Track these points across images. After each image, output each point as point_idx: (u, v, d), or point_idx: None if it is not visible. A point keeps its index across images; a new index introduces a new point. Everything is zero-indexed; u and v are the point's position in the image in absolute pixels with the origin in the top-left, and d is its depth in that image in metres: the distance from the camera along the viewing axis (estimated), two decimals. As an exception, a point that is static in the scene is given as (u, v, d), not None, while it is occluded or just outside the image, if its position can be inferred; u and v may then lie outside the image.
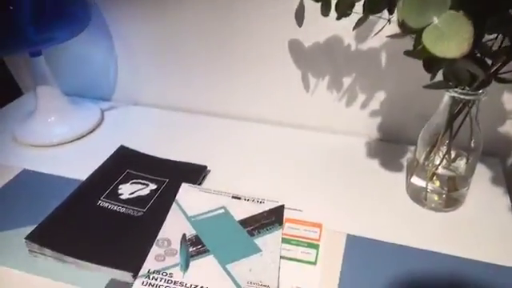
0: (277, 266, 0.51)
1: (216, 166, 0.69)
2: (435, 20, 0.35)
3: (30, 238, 0.52)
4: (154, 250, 0.52)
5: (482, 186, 0.65)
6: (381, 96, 0.73)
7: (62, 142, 0.76)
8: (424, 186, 0.60)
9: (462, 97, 0.52)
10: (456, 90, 0.52)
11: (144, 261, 0.51)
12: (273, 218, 0.58)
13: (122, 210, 0.58)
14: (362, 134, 0.77)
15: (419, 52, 0.40)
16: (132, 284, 0.49)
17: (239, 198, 0.61)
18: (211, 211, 0.59)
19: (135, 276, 0.49)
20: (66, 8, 0.68)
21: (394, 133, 0.76)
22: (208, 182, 0.66)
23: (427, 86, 0.52)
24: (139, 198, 0.60)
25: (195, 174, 0.65)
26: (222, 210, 0.59)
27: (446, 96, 0.54)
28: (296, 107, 0.79)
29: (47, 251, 0.52)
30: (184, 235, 0.55)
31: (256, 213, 0.59)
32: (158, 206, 0.58)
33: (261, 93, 0.80)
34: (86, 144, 0.76)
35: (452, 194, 0.60)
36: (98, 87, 0.89)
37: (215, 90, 0.82)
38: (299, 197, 0.62)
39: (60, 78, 0.80)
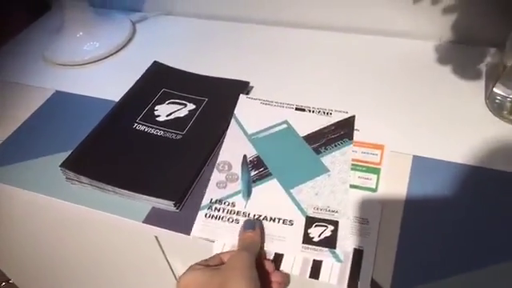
0: (347, 188, 0.45)
1: (261, 80, 0.61)
2: None
3: (66, 165, 0.49)
4: (215, 175, 0.48)
5: None
6: (458, -14, 0.59)
7: (93, 60, 0.70)
8: (510, 95, 0.50)
9: None
10: None
11: (186, 187, 0.47)
12: (341, 131, 0.51)
13: (160, 133, 0.53)
14: (431, 36, 0.65)
15: None
16: (176, 212, 0.45)
17: (303, 110, 0.55)
18: (273, 127, 0.53)
19: (176, 205, 0.45)
20: None
21: (471, 33, 0.63)
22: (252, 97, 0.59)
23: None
24: (177, 119, 0.54)
25: (237, 90, 0.57)
26: (285, 125, 0.53)
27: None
28: (348, 6, 0.67)
29: (84, 179, 0.48)
30: (245, 157, 0.49)
31: (322, 126, 0.52)
32: (198, 128, 0.53)
33: (309, -8, 0.68)
34: (119, 60, 0.70)
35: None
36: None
37: (255, -9, 0.71)
38: (358, 111, 0.54)
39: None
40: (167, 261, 0.53)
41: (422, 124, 0.52)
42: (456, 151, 0.48)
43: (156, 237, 0.49)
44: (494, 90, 0.52)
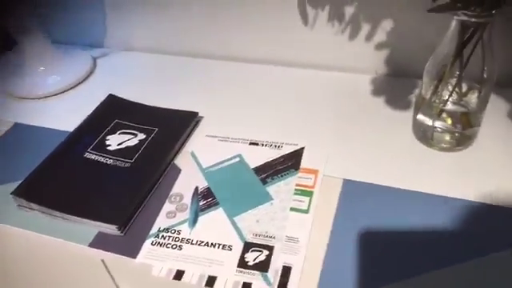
0: (285, 215, 0.49)
1: (212, 112, 0.65)
2: None
3: (17, 192, 0.52)
4: (166, 206, 0.51)
5: (496, 121, 0.59)
6: (386, 26, 0.66)
7: (54, 93, 0.74)
8: (431, 123, 0.55)
9: (471, 20, 0.45)
10: (465, 12, 0.45)
11: (130, 212, 0.50)
12: (289, 162, 0.55)
13: (110, 161, 0.56)
14: (367, 70, 0.71)
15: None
16: (121, 235, 0.48)
17: (257, 144, 0.58)
18: (226, 160, 0.57)
19: (120, 229, 0.48)
20: None
21: (402, 67, 0.69)
22: (202, 129, 0.63)
23: (431, 10, 0.46)
24: (127, 148, 0.58)
25: (186, 120, 0.61)
26: (238, 159, 0.56)
27: (454, 21, 0.47)
28: (295, 44, 0.73)
29: (34, 205, 0.51)
30: (196, 188, 0.53)
31: (271, 159, 0.56)
32: (147, 157, 0.56)
33: (257, 31, 0.73)
34: (79, 94, 0.74)
35: (464, 132, 0.55)
36: (88, 33, 0.85)
37: (209, 30, 0.76)
38: (299, 138, 0.59)
39: (48, 26, 0.76)
40: (115, 285, 0.55)
41: (356, 151, 0.57)
42: (384, 175, 0.53)
43: (102, 260, 0.51)
44: (417, 118, 0.57)
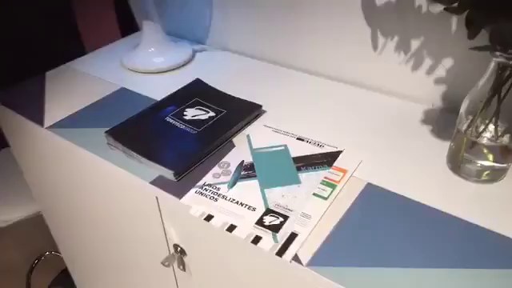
0: (308, 197, 0.57)
1: (274, 108, 0.76)
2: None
3: (109, 132, 0.67)
4: (215, 169, 0.63)
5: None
6: (448, 63, 0.71)
7: (156, 71, 0.90)
8: (460, 153, 0.60)
9: (506, 62, 0.51)
10: (502, 54, 0.51)
11: (186, 166, 0.62)
12: (325, 159, 0.64)
13: (182, 126, 0.69)
14: (424, 101, 0.77)
15: (458, 6, 0.42)
16: (176, 181, 0.61)
17: (302, 140, 0.68)
18: (273, 147, 0.67)
19: (176, 175, 0.60)
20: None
21: (456, 103, 0.74)
22: (262, 120, 0.74)
23: (473, 48, 0.52)
24: (198, 120, 0.71)
25: (250, 110, 0.73)
26: (283, 148, 0.67)
27: (493, 61, 0.53)
28: (361, 66, 0.81)
29: (119, 145, 0.66)
30: (242, 161, 0.64)
31: (312, 153, 0.65)
32: (210, 130, 0.68)
33: (333, 52, 0.83)
34: (175, 75, 0.90)
35: (493, 166, 0.59)
36: (195, 31, 1.02)
37: (289, 43, 0.88)
38: (341, 143, 0.67)
39: (165, 19, 0.93)
40: (161, 218, 0.67)
41: (387, 163, 0.63)
42: (406, 188, 0.58)
43: (156, 197, 0.63)
44: (450, 146, 0.62)
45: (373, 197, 0.57)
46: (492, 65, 0.53)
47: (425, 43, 0.72)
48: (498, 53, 0.51)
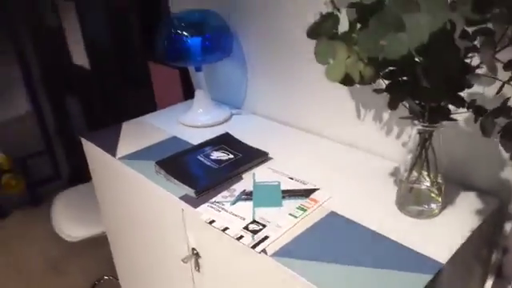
0: (283, 215, 0.80)
1: (278, 156, 1.01)
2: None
3: (156, 162, 0.96)
4: (224, 192, 0.89)
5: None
6: (408, 129, 0.93)
7: (202, 126, 1.21)
8: (404, 197, 0.80)
9: (422, 128, 0.72)
10: (419, 122, 0.72)
11: (204, 189, 0.88)
12: (304, 192, 0.87)
13: (208, 163, 0.97)
14: (388, 156, 0.97)
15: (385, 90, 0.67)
16: (196, 198, 0.87)
17: (292, 179, 0.92)
18: (270, 182, 0.92)
19: (196, 194, 0.87)
20: (220, 44, 1.13)
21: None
22: (267, 164, 0.99)
23: (401, 117, 0.75)
24: (220, 160, 0.98)
25: (259, 155, 0.99)
26: (277, 183, 0.91)
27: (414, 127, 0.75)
28: (347, 127, 1.05)
29: (162, 171, 0.94)
30: (244, 190, 0.89)
31: (296, 188, 0.89)
32: (227, 167, 0.95)
33: (325, 115, 1.08)
34: (215, 129, 1.19)
35: (424, 209, 0.78)
36: (233, 99, 1.33)
37: (297, 110, 1.15)
38: (321, 185, 0.90)
39: (212, 89, 1.25)
40: (183, 223, 0.92)
41: (351, 200, 0.84)
42: (359, 217, 0.79)
43: (182, 209, 0.89)
44: (397, 192, 0.82)
45: (332, 220, 0.79)
46: (414, 130, 0.75)
47: (392, 114, 0.95)
48: (416, 121, 0.73)
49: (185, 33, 1.07)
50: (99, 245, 2.15)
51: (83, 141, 1.19)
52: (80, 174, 2.68)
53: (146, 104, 1.73)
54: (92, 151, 1.18)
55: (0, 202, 2.54)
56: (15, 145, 2.53)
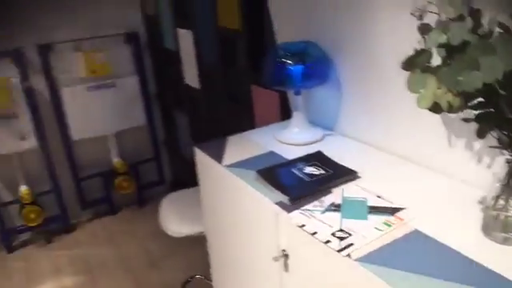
0: (369, 228, 0.89)
1: (367, 175, 1.10)
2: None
3: (257, 171, 1.11)
4: (315, 202, 1.00)
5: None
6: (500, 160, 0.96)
7: (297, 144, 1.33)
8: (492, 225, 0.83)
9: (507, 158, 0.77)
10: (504, 152, 0.77)
11: (298, 197, 1.00)
12: (390, 210, 0.95)
13: (301, 176, 1.09)
14: (479, 185, 1.00)
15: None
16: (289, 205, 0.99)
17: (379, 197, 1.01)
18: (358, 197, 1.01)
19: (290, 200, 0.99)
20: (318, 71, 1.26)
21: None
22: (356, 181, 1.08)
23: (490, 146, 0.80)
24: (312, 174, 1.09)
25: (348, 173, 1.08)
26: (363, 199, 1.01)
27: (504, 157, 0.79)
28: (436, 153, 1.09)
29: (261, 179, 1.08)
30: (333, 202, 1.00)
31: (382, 205, 0.97)
32: (318, 181, 1.06)
33: (418, 142, 1.14)
34: (308, 148, 1.31)
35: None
36: (327, 121, 1.44)
37: (396, 134, 1.22)
38: (409, 204, 0.96)
39: (307, 110, 1.38)
40: (277, 226, 1.04)
41: (437, 222, 0.90)
42: (442, 237, 0.84)
43: (277, 214, 1.02)
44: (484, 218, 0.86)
45: (415, 237, 0.85)
46: (503, 159, 0.79)
47: (481, 143, 0.98)
48: (504, 151, 0.78)
49: (288, 61, 1.22)
50: (194, 246, 2.36)
51: (196, 150, 1.39)
52: (180, 181, 2.98)
53: (245, 121, 1.91)
54: (202, 158, 1.37)
55: (113, 200, 2.92)
56: (131, 151, 2.91)
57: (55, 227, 2.72)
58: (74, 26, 2.52)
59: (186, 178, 2.82)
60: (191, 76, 2.32)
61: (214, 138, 1.44)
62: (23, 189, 2.55)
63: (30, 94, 2.42)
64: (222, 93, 2.08)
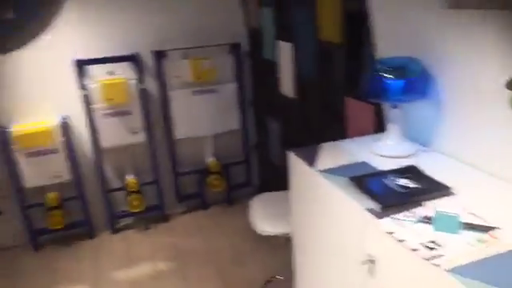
0: (460, 242, 0.91)
1: (461, 193, 1.10)
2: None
3: (350, 178, 1.17)
4: (406, 213, 1.04)
5: None
6: None
7: (391, 156, 1.37)
8: None
9: None
10: None
11: (389, 206, 1.04)
12: (484, 228, 0.96)
13: (393, 186, 1.13)
14: None
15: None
16: (380, 212, 1.04)
17: (473, 214, 1.02)
18: (449, 213, 1.02)
19: (382, 208, 1.04)
20: (418, 87, 1.29)
21: None
22: (449, 198, 1.09)
23: None
24: (405, 186, 1.13)
25: (442, 189, 1.10)
26: (456, 214, 1.02)
27: None
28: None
29: (353, 186, 1.14)
30: (425, 215, 1.03)
31: (475, 223, 0.98)
32: (412, 193, 1.09)
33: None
34: (401, 161, 1.34)
35: None
36: (422, 135, 1.44)
37: (493, 154, 1.20)
38: (501, 225, 0.96)
39: (403, 124, 1.41)
40: (365, 238, 1.09)
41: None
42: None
43: (367, 220, 1.07)
44: None
45: (510, 256, 0.85)
46: None
47: None
48: None
49: (388, 75, 1.26)
50: (277, 246, 2.47)
51: (289, 154, 1.49)
52: (267, 184, 3.11)
53: (337, 131, 1.97)
54: (295, 162, 1.46)
55: (204, 196, 3.14)
56: (224, 153, 3.11)
57: (153, 215, 3.01)
58: (186, 36, 2.78)
59: (273, 183, 2.94)
60: (287, 85, 2.44)
61: (304, 145, 1.53)
62: (130, 178, 2.87)
63: (143, 94, 2.73)
64: (316, 103, 2.16)
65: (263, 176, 3.25)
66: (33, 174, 2.58)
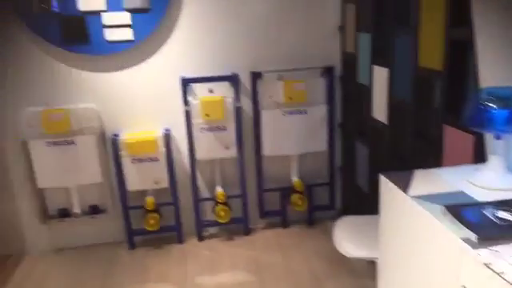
0: None
1: None
2: None
3: (446, 206, 1.16)
4: (505, 245, 1.01)
5: None
6: None
7: (491, 188, 1.31)
8: None
9: None
10: None
11: (489, 239, 1.02)
12: None
13: (492, 218, 1.09)
14: None
15: None
16: (477, 244, 1.02)
17: None
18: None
19: (478, 239, 1.01)
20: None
21: None
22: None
23: None
24: (505, 219, 1.09)
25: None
26: None
27: None
28: None
29: (448, 214, 1.13)
30: None
31: None
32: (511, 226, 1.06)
33: None
34: (502, 193, 1.28)
35: None
36: None
37: None
38: None
39: (506, 155, 1.35)
40: (459, 268, 1.06)
41: None
42: None
43: (461, 249, 1.04)
44: None
45: None
46: None
47: None
48: None
49: (493, 105, 1.24)
50: (357, 271, 2.45)
51: (382, 178, 1.50)
52: (349, 209, 3.09)
53: (431, 159, 1.92)
54: (387, 187, 1.47)
55: (286, 214, 3.20)
56: (309, 173, 3.16)
57: (237, 228, 3.14)
58: (282, 58, 2.92)
59: (356, 207, 2.91)
60: (379, 110, 2.43)
61: (393, 171, 1.52)
62: (219, 190, 3.04)
63: (238, 112, 2.90)
64: (410, 129, 2.13)
65: (346, 199, 3.23)
66: (136, 179, 2.86)
